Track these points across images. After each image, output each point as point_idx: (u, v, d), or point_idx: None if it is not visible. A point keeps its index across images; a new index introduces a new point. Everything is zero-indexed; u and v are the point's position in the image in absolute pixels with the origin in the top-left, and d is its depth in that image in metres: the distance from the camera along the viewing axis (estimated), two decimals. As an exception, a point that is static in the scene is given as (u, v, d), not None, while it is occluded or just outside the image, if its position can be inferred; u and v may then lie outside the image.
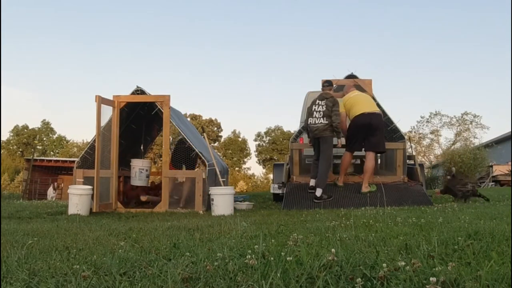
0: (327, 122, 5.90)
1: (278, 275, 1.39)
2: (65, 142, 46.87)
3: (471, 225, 2.64)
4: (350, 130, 6.12)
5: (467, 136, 30.56)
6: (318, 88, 7.12)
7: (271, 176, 27.63)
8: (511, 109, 36.79)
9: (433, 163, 29.04)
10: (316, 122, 5.97)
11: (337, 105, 5.97)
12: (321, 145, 5.98)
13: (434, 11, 49.94)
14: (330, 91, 6.25)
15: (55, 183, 14.04)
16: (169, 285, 1.38)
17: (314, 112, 6.03)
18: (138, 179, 7.09)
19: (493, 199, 6.19)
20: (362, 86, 6.77)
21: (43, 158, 18.42)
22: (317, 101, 6.10)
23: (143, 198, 7.22)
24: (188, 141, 6.72)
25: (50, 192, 13.57)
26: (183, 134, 6.76)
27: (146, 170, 7.19)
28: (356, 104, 6.06)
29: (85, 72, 58.12)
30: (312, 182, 6.15)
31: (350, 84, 6.55)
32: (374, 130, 5.90)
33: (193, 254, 1.88)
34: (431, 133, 32.27)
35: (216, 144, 44.35)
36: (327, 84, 6.34)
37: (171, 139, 7.22)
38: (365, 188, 5.98)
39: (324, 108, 5.97)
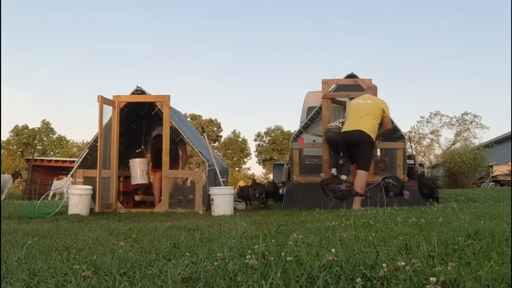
0: None
1: (278, 275, 1.39)
2: (65, 142, 46.87)
3: (471, 225, 2.64)
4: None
5: (467, 136, 30.60)
6: (318, 88, 7.14)
7: (271, 176, 27.62)
8: (511, 109, 36.80)
9: (433, 163, 29.05)
10: None
11: None
12: None
13: (435, 10, 49.96)
14: None
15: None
16: (169, 285, 1.38)
17: None
18: (136, 178, 7.16)
19: (493, 199, 6.19)
20: (362, 86, 6.78)
21: (43, 158, 18.40)
22: None
23: (137, 197, 7.26)
24: (188, 141, 6.72)
25: (62, 188, 9.89)
26: (183, 134, 6.76)
27: (143, 170, 7.24)
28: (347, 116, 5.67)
29: (85, 72, 58.14)
30: None
31: (366, 87, 5.97)
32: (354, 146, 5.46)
33: (193, 254, 1.88)
34: (431, 133, 32.29)
35: (216, 144, 44.36)
36: None
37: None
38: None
39: None
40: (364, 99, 5.54)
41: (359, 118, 5.40)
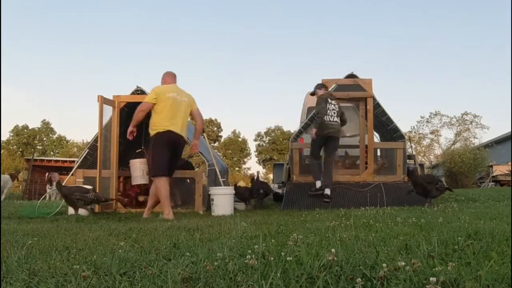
0: None
1: (278, 275, 1.39)
2: (65, 142, 46.87)
3: (471, 225, 2.64)
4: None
5: (467, 136, 30.61)
6: (318, 88, 7.13)
7: (271, 176, 27.60)
8: (511, 109, 36.81)
9: (433, 163, 29.05)
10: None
11: None
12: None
13: (435, 10, 49.95)
14: None
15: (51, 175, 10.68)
16: (169, 285, 1.38)
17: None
18: (137, 178, 7.15)
19: (493, 199, 6.19)
20: (362, 86, 6.78)
21: (43, 158, 18.42)
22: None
23: (141, 198, 7.26)
24: (188, 141, 6.71)
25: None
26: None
27: (143, 170, 7.24)
28: None
29: (85, 72, 58.15)
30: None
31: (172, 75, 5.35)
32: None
33: (193, 254, 1.88)
34: (431, 133, 32.31)
35: (216, 144, 44.35)
36: None
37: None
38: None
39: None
40: (181, 96, 5.22)
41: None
